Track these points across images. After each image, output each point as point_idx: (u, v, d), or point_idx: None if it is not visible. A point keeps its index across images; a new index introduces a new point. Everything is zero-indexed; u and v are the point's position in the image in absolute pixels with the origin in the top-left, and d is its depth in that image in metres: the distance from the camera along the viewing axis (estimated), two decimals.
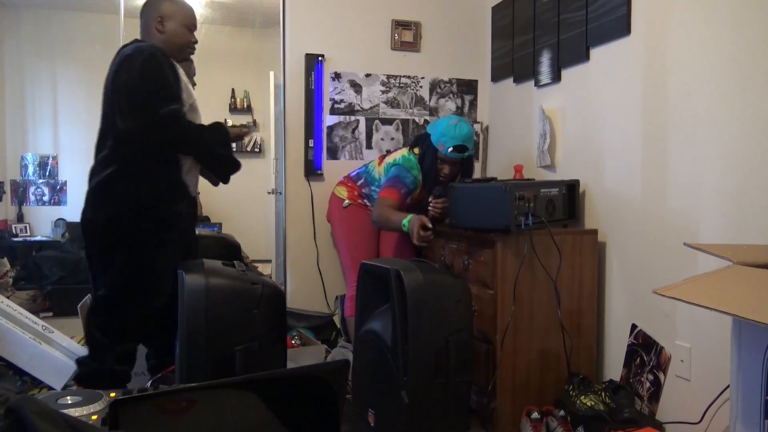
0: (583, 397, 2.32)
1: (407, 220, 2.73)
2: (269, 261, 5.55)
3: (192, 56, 2.61)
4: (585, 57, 2.77)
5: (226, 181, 2.65)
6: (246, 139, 6.89)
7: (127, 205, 2.37)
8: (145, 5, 2.50)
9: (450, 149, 2.88)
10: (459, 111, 3.76)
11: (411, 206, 3.03)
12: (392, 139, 3.66)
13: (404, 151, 3.05)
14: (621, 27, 2.51)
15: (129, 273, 2.38)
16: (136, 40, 2.46)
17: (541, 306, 2.52)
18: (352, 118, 3.60)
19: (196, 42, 2.56)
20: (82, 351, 2.65)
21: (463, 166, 3.02)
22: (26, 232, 5.86)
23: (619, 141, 2.59)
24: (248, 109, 6.92)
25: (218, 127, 2.56)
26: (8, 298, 3.63)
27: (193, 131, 2.41)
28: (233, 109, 6.89)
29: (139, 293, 2.39)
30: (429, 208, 2.91)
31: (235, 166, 2.60)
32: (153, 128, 2.29)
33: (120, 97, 2.30)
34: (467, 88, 3.79)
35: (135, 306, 2.40)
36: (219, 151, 2.52)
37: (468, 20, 3.76)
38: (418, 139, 3.07)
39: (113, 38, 4.52)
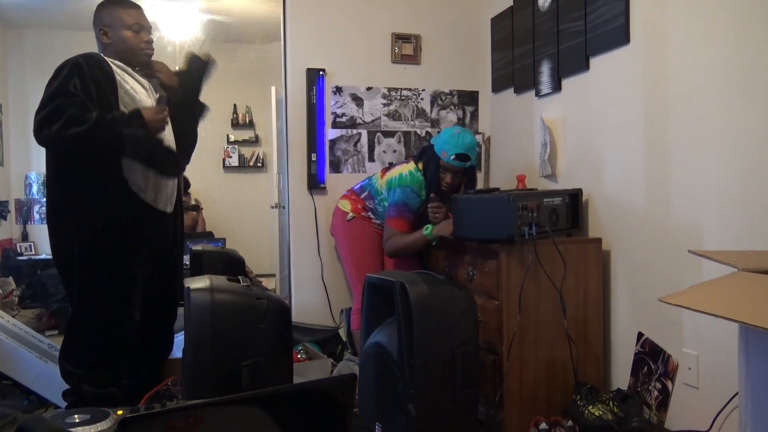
0: (591, 407, 2.30)
1: (429, 232, 2.83)
2: (273, 275, 5.56)
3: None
4: (585, 66, 2.78)
5: (167, 170, 2.47)
6: (249, 154, 6.93)
7: (74, 230, 2.29)
8: (93, 18, 2.44)
9: (452, 157, 2.89)
10: (460, 122, 3.77)
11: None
12: (394, 151, 3.67)
13: (410, 166, 3.02)
14: (620, 36, 2.53)
15: (88, 305, 2.33)
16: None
17: (546, 316, 2.51)
18: (354, 131, 3.61)
19: (148, 41, 2.46)
20: None
21: (465, 177, 3.02)
22: (31, 250, 5.88)
23: (620, 149, 2.59)
24: (250, 125, 6.96)
25: (130, 115, 2.29)
26: (14, 316, 3.64)
27: (91, 123, 2.17)
28: (235, 124, 6.93)
29: (103, 323, 2.34)
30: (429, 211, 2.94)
31: (150, 147, 2.35)
32: (49, 144, 2.22)
33: None
34: (468, 99, 3.80)
35: (101, 337, 2.35)
36: (130, 132, 2.26)
37: (467, 32, 3.78)
38: (423, 151, 3.07)
39: None
